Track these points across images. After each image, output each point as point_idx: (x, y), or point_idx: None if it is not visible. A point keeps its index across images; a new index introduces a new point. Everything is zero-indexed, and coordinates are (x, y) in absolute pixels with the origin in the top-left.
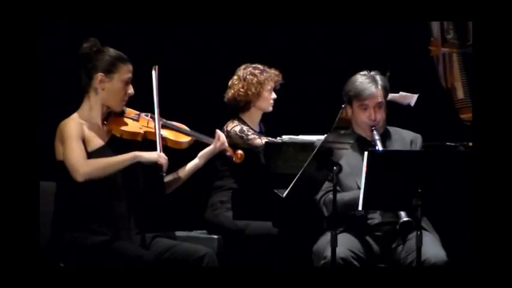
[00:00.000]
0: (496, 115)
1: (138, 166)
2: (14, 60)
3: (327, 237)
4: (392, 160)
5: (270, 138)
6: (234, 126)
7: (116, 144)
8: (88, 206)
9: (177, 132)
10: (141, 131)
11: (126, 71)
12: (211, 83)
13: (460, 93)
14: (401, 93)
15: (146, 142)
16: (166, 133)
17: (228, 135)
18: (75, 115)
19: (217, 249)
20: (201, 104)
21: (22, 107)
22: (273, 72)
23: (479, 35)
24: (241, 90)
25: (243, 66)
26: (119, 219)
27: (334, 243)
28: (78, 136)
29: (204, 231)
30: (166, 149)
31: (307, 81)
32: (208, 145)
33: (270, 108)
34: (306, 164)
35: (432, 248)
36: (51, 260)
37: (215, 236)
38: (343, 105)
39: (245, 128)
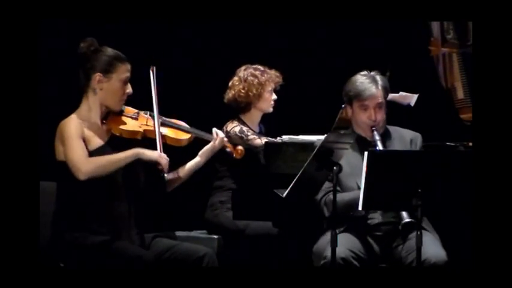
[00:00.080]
0: (496, 115)
1: (139, 165)
2: (14, 60)
3: (327, 237)
4: (392, 160)
5: (270, 138)
6: (234, 127)
7: (116, 143)
8: (88, 206)
9: (176, 130)
10: (141, 130)
11: (124, 71)
12: (211, 83)
13: (460, 93)
14: (401, 93)
15: (146, 140)
16: (165, 131)
17: (227, 135)
18: (74, 115)
19: (217, 249)
20: (200, 104)
21: (22, 107)
22: (273, 73)
23: (479, 35)
24: (242, 91)
25: (243, 67)
26: (119, 219)
27: (334, 243)
28: (78, 135)
29: (204, 231)
30: (166, 147)
31: (307, 81)
32: (208, 142)
33: (271, 109)
34: (306, 164)
35: (432, 248)
36: (51, 260)
37: (215, 236)
38: (343, 105)
39: (245, 128)
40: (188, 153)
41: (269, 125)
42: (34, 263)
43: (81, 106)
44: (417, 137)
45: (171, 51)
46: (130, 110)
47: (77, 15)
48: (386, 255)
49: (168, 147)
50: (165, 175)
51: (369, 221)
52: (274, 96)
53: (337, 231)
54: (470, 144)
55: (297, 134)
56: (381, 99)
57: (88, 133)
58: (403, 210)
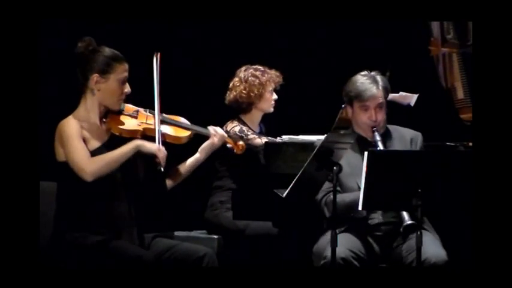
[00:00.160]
0: (496, 115)
1: (138, 162)
2: (14, 60)
3: (327, 237)
4: (392, 160)
5: (270, 138)
6: (234, 127)
7: (116, 142)
8: (88, 206)
9: (176, 127)
10: (140, 128)
11: (122, 71)
12: (211, 83)
13: (460, 93)
14: (401, 93)
15: (145, 139)
16: (165, 129)
17: (227, 135)
18: (72, 115)
19: (217, 249)
20: (201, 104)
21: (22, 107)
22: (273, 73)
23: (479, 35)
24: (243, 92)
25: (243, 68)
26: (119, 219)
27: (334, 243)
28: (78, 136)
29: (204, 231)
30: (165, 144)
31: (307, 81)
32: (207, 138)
33: (271, 109)
34: (306, 164)
35: (432, 248)
36: (51, 260)
37: (215, 236)
38: (343, 105)
39: (244, 128)
40: (189, 150)
41: (269, 125)
42: (34, 263)
43: (79, 106)
44: (417, 136)
45: (171, 51)
46: (130, 107)
47: (77, 15)
48: (386, 255)
49: (168, 144)
50: (162, 169)
51: (369, 221)
52: (275, 96)
53: (337, 231)
54: (470, 144)
55: (297, 134)
56: (381, 100)
57: (87, 133)
58: (403, 210)
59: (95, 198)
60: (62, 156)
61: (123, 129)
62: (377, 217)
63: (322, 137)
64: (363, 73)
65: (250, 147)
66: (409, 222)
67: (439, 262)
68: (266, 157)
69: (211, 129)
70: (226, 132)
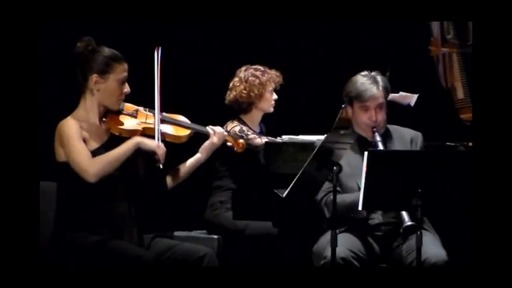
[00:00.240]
0: (496, 115)
1: (138, 159)
2: (14, 60)
3: (327, 237)
4: (392, 160)
5: (270, 138)
6: (234, 127)
7: (115, 142)
8: (89, 206)
9: (176, 126)
10: (139, 128)
11: (121, 71)
12: (211, 83)
13: (460, 93)
14: (401, 93)
15: (144, 136)
16: (165, 128)
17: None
18: (72, 115)
19: (217, 249)
20: (201, 104)
21: (22, 107)
22: (273, 73)
23: (479, 35)
24: (244, 92)
25: (243, 68)
26: (119, 219)
27: (334, 243)
28: (79, 137)
29: (204, 231)
30: (165, 143)
31: (307, 81)
32: (208, 137)
33: (271, 109)
34: (306, 164)
35: (432, 248)
36: (51, 260)
37: (215, 236)
38: (343, 105)
39: (245, 128)
40: (189, 150)
41: (269, 125)
42: (34, 263)
43: (79, 106)
44: (418, 136)
45: (171, 51)
46: (129, 107)
47: (77, 15)
48: (386, 255)
49: (168, 143)
50: (160, 166)
51: (369, 221)
52: (275, 96)
53: (337, 231)
54: (470, 144)
55: (297, 134)
56: (381, 100)
57: (87, 133)
58: (403, 211)
59: (95, 198)
60: (62, 157)
61: (123, 129)
62: (377, 217)
63: (322, 137)
64: (363, 73)
65: (250, 147)
66: (409, 223)
67: (439, 262)
68: (266, 157)
69: (210, 128)
70: (226, 131)
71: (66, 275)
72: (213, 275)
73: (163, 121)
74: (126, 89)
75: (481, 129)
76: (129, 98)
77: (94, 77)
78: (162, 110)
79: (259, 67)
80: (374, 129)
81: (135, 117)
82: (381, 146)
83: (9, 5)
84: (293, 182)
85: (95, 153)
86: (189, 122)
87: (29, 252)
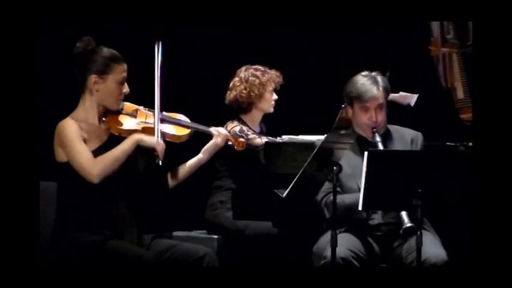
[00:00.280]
0: (496, 115)
1: (138, 159)
2: (14, 60)
3: (327, 237)
4: (392, 160)
5: (270, 138)
6: (234, 127)
7: (115, 142)
8: (89, 206)
9: (176, 126)
10: (139, 128)
11: (120, 71)
12: (212, 83)
13: (460, 93)
14: (401, 93)
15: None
16: (165, 127)
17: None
18: (72, 116)
19: (217, 249)
20: (200, 104)
21: (22, 107)
22: (273, 73)
23: (479, 35)
24: (244, 91)
25: (243, 68)
26: (119, 219)
27: (334, 243)
28: (79, 137)
29: (204, 231)
30: (166, 143)
31: (307, 81)
32: (209, 136)
33: (271, 110)
34: (306, 164)
35: (432, 248)
36: (51, 260)
37: (215, 236)
38: (343, 105)
39: (245, 128)
40: (191, 150)
41: (269, 125)
42: (34, 263)
43: (78, 106)
44: (418, 136)
45: (171, 51)
46: (129, 106)
47: (77, 15)
48: (386, 255)
49: (169, 142)
50: (160, 162)
51: (369, 222)
52: (275, 96)
53: (338, 231)
54: (470, 144)
55: (297, 134)
56: (381, 101)
57: (86, 134)
58: (403, 211)
59: (95, 198)
60: (62, 157)
61: (122, 129)
62: (377, 218)
63: (322, 137)
64: (363, 73)
65: (250, 147)
66: (409, 225)
67: (439, 262)
68: (266, 157)
69: (214, 130)
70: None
71: (66, 275)
72: (213, 275)
73: (163, 120)
74: (126, 89)
75: (481, 129)
76: (129, 98)
77: (93, 77)
78: (162, 109)
79: (260, 67)
80: (374, 129)
81: (135, 116)
82: (381, 147)
83: (9, 5)
84: (293, 182)
85: (94, 153)
86: (189, 121)
87: (29, 252)
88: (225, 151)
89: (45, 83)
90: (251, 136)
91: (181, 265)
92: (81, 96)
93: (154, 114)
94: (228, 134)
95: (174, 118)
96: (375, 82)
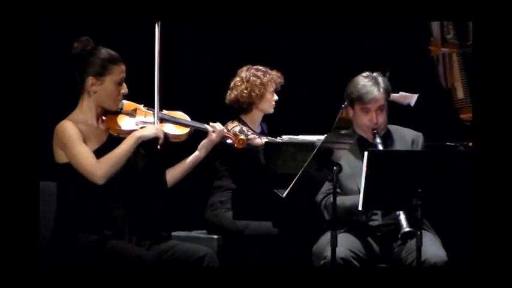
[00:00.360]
0: (496, 115)
1: (138, 157)
2: (14, 60)
3: (327, 237)
4: (392, 160)
5: (270, 138)
6: (234, 127)
7: (115, 142)
8: (89, 206)
9: (175, 125)
10: (137, 128)
11: (118, 72)
12: (212, 83)
13: (460, 93)
14: (401, 93)
15: None
16: (165, 127)
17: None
18: (70, 117)
19: (217, 249)
20: (201, 104)
21: (22, 107)
22: (275, 73)
23: (479, 35)
24: (245, 91)
25: (245, 68)
26: (119, 219)
27: (334, 243)
28: (79, 139)
29: (204, 231)
30: (166, 143)
31: (307, 81)
32: (207, 134)
33: (272, 110)
34: (306, 164)
35: (432, 248)
36: (51, 260)
37: (215, 236)
38: (343, 105)
39: (245, 128)
40: (188, 148)
41: (269, 125)
42: (34, 263)
43: (77, 107)
44: (419, 136)
45: (171, 51)
46: (129, 105)
47: (77, 15)
48: (386, 255)
49: (168, 141)
50: (159, 147)
51: (369, 223)
52: (276, 97)
53: (338, 231)
54: (470, 144)
55: (297, 134)
56: (382, 102)
57: (86, 135)
58: (403, 212)
59: (95, 199)
60: (61, 158)
61: (121, 130)
62: (377, 219)
63: (322, 137)
64: (364, 74)
65: (250, 147)
66: (407, 229)
67: (439, 263)
68: (266, 157)
69: (210, 125)
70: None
71: (66, 275)
72: (213, 275)
73: (163, 120)
74: (124, 89)
75: (481, 129)
76: (129, 96)
77: (90, 79)
78: (162, 108)
79: (261, 67)
80: (375, 131)
81: (134, 116)
82: (381, 148)
83: (9, 5)
84: (293, 182)
85: (94, 154)
86: (188, 119)
87: (29, 252)
88: (225, 151)
89: (45, 83)
90: (251, 136)
91: (182, 265)
92: (80, 96)
93: (153, 112)
94: (225, 130)
95: (173, 117)
96: (376, 83)
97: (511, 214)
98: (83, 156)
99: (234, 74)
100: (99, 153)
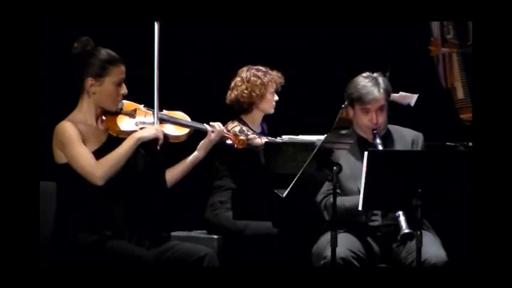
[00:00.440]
0: (496, 115)
1: (138, 158)
2: (14, 60)
3: (327, 237)
4: (392, 160)
5: (270, 138)
6: (234, 127)
7: (114, 142)
8: (89, 207)
9: (175, 126)
10: (137, 129)
11: (117, 73)
12: (212, 83)
13: (460, 93)
14: (401, 93)
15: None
16: (165, 128)
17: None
18: (69, 118)
19: (217, 249)
20: (201, 104)
21: (22, 107)
22: (275, 74)
23: (479, 35)
24: (245, 91)
25: (245, 68)
26: (119, 219)
27: (334, 243)
28: (79, 140)
29: (204, 231)
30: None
31: (307, 81)
32: (206, 134)
33: (272, 110)
34: (306, 164)
35: (432, 248)
36: (51, 260)
37: (215, 236)
38: (343, 105)
39: (245, 128)
40: (188, 148)
41: (269, 125)
42: (34, 263)
43: (77, 108)
44: (419, 136)
45: (171, 51)
46: (129, 105)
47: (77, 15)
48: (386, 256)
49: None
50: (158, 148)
51: (369, 223)
52: (276, 97)
53: (338, 231)
54: (470, 144)
55: (297, 134)
56: (383, 102)
57: (85, 135)
58: (403, 213)
59: (95, 199)
60: (61, 159)
61: (121, 130)
62: (377, 219)
63: (322, 137)
64: (364, 74)
65: (250, 147)
66: (407, 231)
67: (439, 263)
68: (266, 157)
69: (209, 125)
70: (227, 130)
71: (66, 275)
72: (213, 275)
73: (162, 120)
74: (123, 90)
75: (481, 129)
76: (129, 96)
77: (89, 80)
78: (161, 108)
79: (262, 68)
80: (375, 131)
81: (134, 116)
82: (381, 148)
83: (9, 5)
84: (293, 182)
85: (94, 154)
86: (188, 119)
87: (29, 252)
88: (225, 150)
89: (45, 83)
90: (251, 136)
91: (182, 265)
92: (80, 97)
93: (153, 112)
94: (224, 130)
95: (174, 117)
96: (376, 84)
97: (511, 214)
98: (82, 157)
99: (234, 74)
100: (99, 153)
